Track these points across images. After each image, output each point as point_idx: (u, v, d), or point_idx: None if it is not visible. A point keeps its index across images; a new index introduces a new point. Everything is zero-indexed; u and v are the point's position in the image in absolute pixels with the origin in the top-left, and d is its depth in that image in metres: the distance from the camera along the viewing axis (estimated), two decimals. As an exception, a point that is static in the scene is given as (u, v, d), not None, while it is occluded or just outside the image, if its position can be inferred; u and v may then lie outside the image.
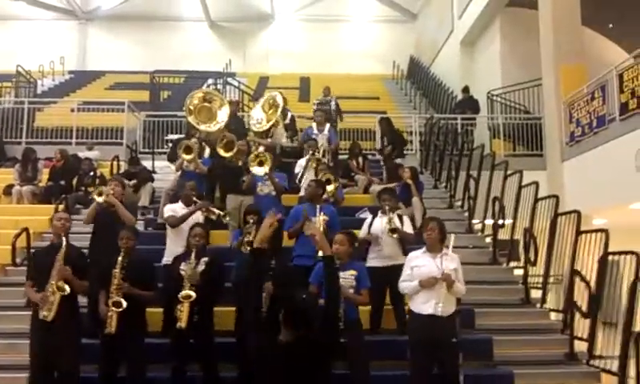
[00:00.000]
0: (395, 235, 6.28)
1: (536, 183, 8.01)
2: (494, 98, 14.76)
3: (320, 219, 6.49)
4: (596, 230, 6.64)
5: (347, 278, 5.32)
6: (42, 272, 5.20)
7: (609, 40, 16.52)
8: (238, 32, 26.88)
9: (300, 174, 8.64)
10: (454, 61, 19.07)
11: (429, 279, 5.10)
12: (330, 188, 7.65)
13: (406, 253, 6.13)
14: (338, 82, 18.39)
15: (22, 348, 5.82)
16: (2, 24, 25.66)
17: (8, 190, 10.33)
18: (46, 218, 8.89)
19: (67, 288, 5.05)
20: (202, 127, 8.61)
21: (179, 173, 8.32)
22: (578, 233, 6.85)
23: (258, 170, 7.46)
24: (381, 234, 6.45)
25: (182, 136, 10.51)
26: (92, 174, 10.40)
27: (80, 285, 5.27)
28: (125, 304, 5.19)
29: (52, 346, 5.07)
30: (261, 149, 8.02)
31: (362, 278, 5.44)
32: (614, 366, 5.99)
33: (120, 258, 5.33)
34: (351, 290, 5.32)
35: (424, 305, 5.12)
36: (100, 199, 6.48)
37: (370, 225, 6.61)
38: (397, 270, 5.64)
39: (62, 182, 10.51)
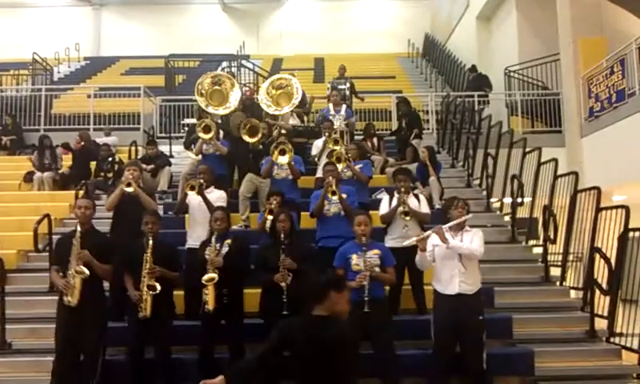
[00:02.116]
0: (408, 218, 6.26)
1: (555, 160, 7.95)
2: (512, 74, 14.59)
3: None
4: (616, 207, 6.58)
5: (372, 257, 5.39)
6: (64, 258, 5.27)
7: (628, 12, 16.20)
8: (251, 14, 26.77)
9: (317, 156, 8.64)
10: (470, 37, 18.83)
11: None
12: (339, 166, 7.66)
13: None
14: (353, 61, 18.25)
15: (44, 332, 5.96)
16: (17, 12, 25.83)
17: (28, 177, 10.44)
18: (67, 204, 9.03)
19: (86, 271, 5.11)
20: (211, 110, 8.57)
21: (199, 157, 8.33)
22: (598, 209, 6.79)
23: (281, 159, 7.47)
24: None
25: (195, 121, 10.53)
26: (110, 159, 10.48)
27: (102, 268, 5.32)
28: (159, 288, 5.25)
29: (76, 330, 5.15)
30: (282, 131, 8.01)
31: (387, 256, 5.52)
32: (635, 343, 5.98)
33: (150, 243, 5.37)
34: (377, 269, 5.36)
35: (448, 285, 5.18)
36: (129, 189, 6.43)
37: (390, 203, 6.59)
38: (415, 250, 5.63)
39: (70, 170, 10.60)
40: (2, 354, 6.12)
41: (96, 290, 5.37)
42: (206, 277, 5.35)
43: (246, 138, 8.09)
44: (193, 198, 6.77)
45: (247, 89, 12.17)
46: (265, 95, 8.24)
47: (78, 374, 5.23)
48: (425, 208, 6.57)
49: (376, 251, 5.47)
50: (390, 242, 6.33)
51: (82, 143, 11.12)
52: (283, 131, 8.02)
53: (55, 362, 5.27)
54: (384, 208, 6.58)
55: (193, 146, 8.52)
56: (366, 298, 5.13)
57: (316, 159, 8.67)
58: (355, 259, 5.36)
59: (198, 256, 5.75)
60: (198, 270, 5.56)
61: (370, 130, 10.98)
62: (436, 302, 5.38)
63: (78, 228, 5.32)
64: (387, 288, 5.97)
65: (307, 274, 4.99)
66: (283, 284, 5.33)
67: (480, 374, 5.16)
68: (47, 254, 7.20)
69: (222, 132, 8.81)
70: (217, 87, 8.63)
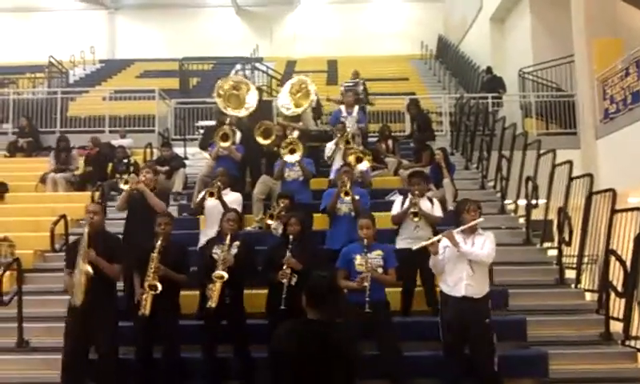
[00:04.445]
0: (416, 219, 6.27)
1: (570, 162, 7.90)
2: (526, 75, 14.52)
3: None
4: (631, 209, 6.53)
5: (374, 258, 5.43)
6: (74, 260, 5.34)
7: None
8: (264, 16, 26.86)
9: (330, 157, 8.66)
10: (484, 39, 18.78)
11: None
12: (362, 166, 7.67)
13: (436, 234, 6.14)
14: (366, 63, 18.30)
15: (60, 331, 5.97)
16: (33, 16, 26.15)
17: (45, 179, 10.57)
18: (82, 205, 9.08)
19: (90, 270, 5.14)
20: (230, 111, 8.68)
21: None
22: (613, 211, 6.74)
23: (290, 158, 7.54)
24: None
25: (213, 123, 10.59)
26: (126, 161, 10.58)
27: (109, 267, 5.37)
28: (160, 287, 5.29)
29: (88, 329, 5.23)
30: (295, 133, 8.07)
31: (389, 257, 5.54)
32: (651, 346, 5.93)
33: (158, 243, 5.42)
34: (380, 270, 5.40)
35: (455, 287, 5.18)
36: (125, 187, 6.56)
37: (402, 204, 6.60)
38: (427, 251, 5.64)
39: (90, 168, 10.72)
40: (19, 351, 6.21)
41: (106, 292, 5.43)
42: (216, 273, 5.39)
43: (260, 140, 8.16)
44: (209, 200, 6.87)
45: None
46: (289, 101, 8.38)
47: (89, 370, 5.31)
48: (438, 211, 6.58)
49: (379, 252, 5.50)
50: (401, 242, 6.35)
51: (97, 149, 11.26)
52: (296, 133, 8.08)
53: (64, 359, 5.34)
54: (396, 209, 6.61)
55: (210, 147, 8.60)
56: (367, 299, 5.15)
57: (328, 161, 8.71)
58: (359, 260, 5.39)
59: (204, 254, 5.82)
60: (204, 268, 5.62)
61: (384, 132, 10.97)
62: (442, 302, 5.40)
63: (86, 229, 5.39)
64: (398, 290, 6.01)
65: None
66: (285, 281, 5.38)
67: (492, 377, 5.14)
68: (64, 254, 7.28)
69: (238, 134, 8.86)
70: (234, 91, 8.76)
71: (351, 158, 7.75)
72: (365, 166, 7.76)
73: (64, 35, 25.00)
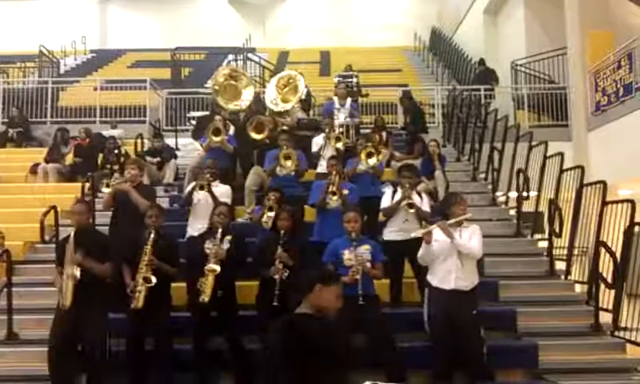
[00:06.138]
0: (412, 210, 6.27)
1: (561, 154, 7.92)
2: (518, 67, 14.53)
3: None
4: (622, 201, 6.54)
5: (363, 253, 5.44)
6: (62, 260, 5.34)
7: (636, 5, 16.11)
8: (257, 6, 26.76)
9: (319, 152, 8.60)
10: (478, 31, 18.78)
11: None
12: (372, 161, 7.54)
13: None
14: (359, 55, 18.26)
15: (50, 324, 5.97)
16: (24, 4, 25.89)
17: (34, 169, 10.51)
18: (73, 196, 9.03)
19: (77, 274, 5.14)
20: (230, 106, 8.63)
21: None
22: (604, 204, 6.75)
23: (288, 163, 7.50)
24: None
25: (206, 113, 10.54)
26: (116, 151, 10.52)
27: (99, 268, 5.32)
28: (154, 280, 5.27)
29: (77, 320, 5.19)
30: (284, 128, 8.04)
31: (377, 252, 5.58)
32: (639, 337, 5.97)
33: (152, 236, 5.39)
34: (368, 264, 5.41)
35: (444, 279, 5.20)
36: (107, 190, 6.52)
37: (392, 196, 6.58)
38: (416, 243, 5.66)
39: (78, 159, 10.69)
40: (9, 344, 6.16)
41: (96, 291, 5.35)
42: (209, 266, 5.38)
43: (253, 135, 8.13)
44: (198, 193, 6.85)
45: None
46: (276, 95, 8.31)
47: (78, 362, 5.32)
48: (426, 206, 6.54)
49: (367, 247, 5.52)
50: (390, 234, 6.34)
51: (88, 139, 11.22)
52: (285, 127, 8.05)
53: (50, 353, 5.31)
54: (386, 201, 6.58)
55: (201, 139, 8.55)
56: (360, 293, 5.16)
57: (320, 152, 8.64)
58: (347, 254, 5.40)
59: (197, 247, 5.78)
60: (196, 261, 5.59)
61: (379, 123, 10.95)
62: (430, 295, 5.38)
63: (71, 235, 5.37)
64: (386, 282, 6.01)
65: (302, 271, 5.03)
66: (277, 277, 5.38)
67: (481, 368, 5.17)
68: (54, 245, 7.24)
69: (232, 127, 8.80)
70: (232, 82, 8.68)
71: (362, 155, 7.62)
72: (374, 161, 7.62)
73: (55, 24, 24.79)
